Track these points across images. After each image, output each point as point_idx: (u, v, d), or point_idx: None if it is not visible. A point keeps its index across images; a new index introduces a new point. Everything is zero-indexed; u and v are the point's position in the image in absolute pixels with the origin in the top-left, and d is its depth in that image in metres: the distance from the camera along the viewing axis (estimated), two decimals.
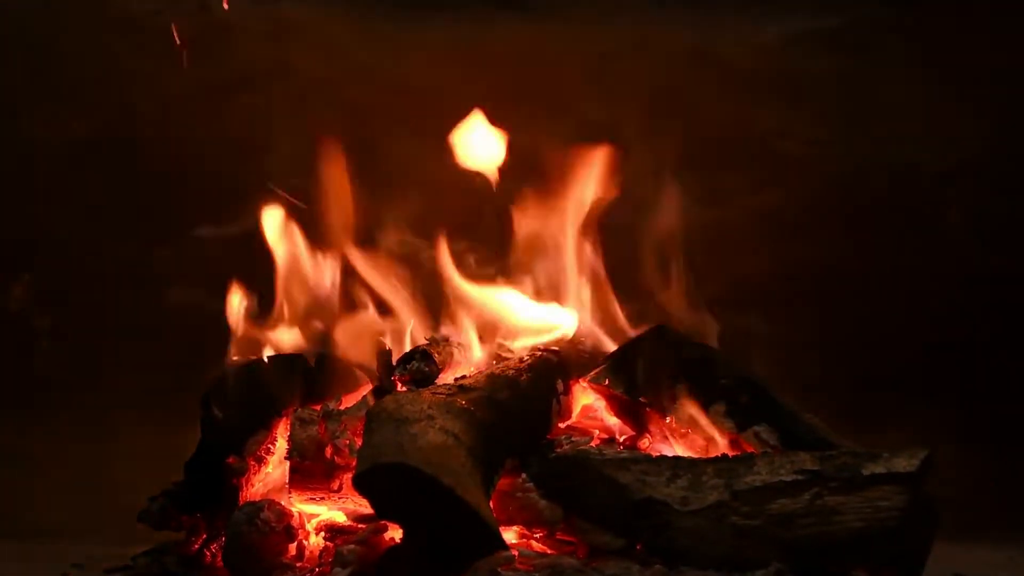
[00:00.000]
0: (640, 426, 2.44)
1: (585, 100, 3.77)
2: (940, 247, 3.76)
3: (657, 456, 2.27)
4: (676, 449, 2.38)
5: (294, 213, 2.71)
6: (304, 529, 2.27)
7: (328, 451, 2.24)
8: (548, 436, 2.36)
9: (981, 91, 3.80)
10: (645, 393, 2.42)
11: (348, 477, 2.18)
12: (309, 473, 2.25)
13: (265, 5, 3.86)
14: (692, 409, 2.39)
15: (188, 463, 2.43)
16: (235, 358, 2.51)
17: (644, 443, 2.42)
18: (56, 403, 3.61)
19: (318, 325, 2.62)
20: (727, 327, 2.61)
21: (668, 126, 3.74)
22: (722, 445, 2.35)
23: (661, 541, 2.14)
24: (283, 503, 2.27)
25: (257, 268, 2.68)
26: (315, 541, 2.26)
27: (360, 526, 2.22)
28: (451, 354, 2.49)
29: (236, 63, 3.82)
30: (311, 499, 2.28)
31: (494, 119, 2.79)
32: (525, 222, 2.70)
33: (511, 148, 2.76)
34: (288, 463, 2.28)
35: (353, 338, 2.56)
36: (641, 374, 2.42)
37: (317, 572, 2.17)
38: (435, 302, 2.65)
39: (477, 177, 2.70)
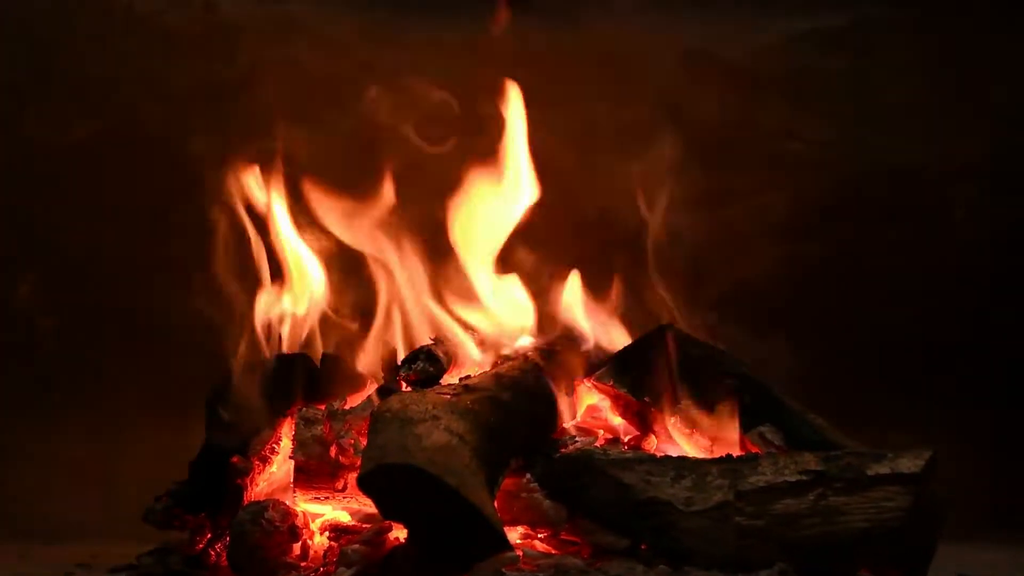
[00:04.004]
0: (645, 426, 2.44)
1: (589, 100, 3.77)
2: (945, 247, 3.76)
3: (661, 456, 2.27)
4: (681, 449, 2.38)
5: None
6: (308, 529, 2.27)
7: (333, 451, 2.25)
8: (553, 436, 2.36)
9: (986, 91, 3.79)
10: (650, 393, 2.42)
11: (352, 477, 2.18)
12: (313, 473, 2.25)
13: (270, 5, 3.86)
14: (696, 409, 2.39)
15: (193, 463, 2.43)
16: (240, 358, 2.52)
17: (649, 443, 2.42)
18: (60, 403, 3.61)
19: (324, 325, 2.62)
20: (731, 328, 2.61)
21: (673, 126, 3.73)
22: (726, 445, 2.35)
23: (665, 541, 2.14)
24: (287, 503, 2.27)
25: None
26: (319, 541, 2.26)
27: (364, 526, 2.22)
28: (456, 354, 2.49)
29: (241, 63, 3.82)
30: (315, 499, 2.28)
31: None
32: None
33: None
34: (292, 463, 2.28)
35: (358, 338, 2.57)
36: (646, 374, 2.42)
37: (321, 572, 2.17)
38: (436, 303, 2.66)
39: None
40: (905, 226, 3.79)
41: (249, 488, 2.36)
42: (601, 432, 2.42)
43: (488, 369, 2.42)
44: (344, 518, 2.28)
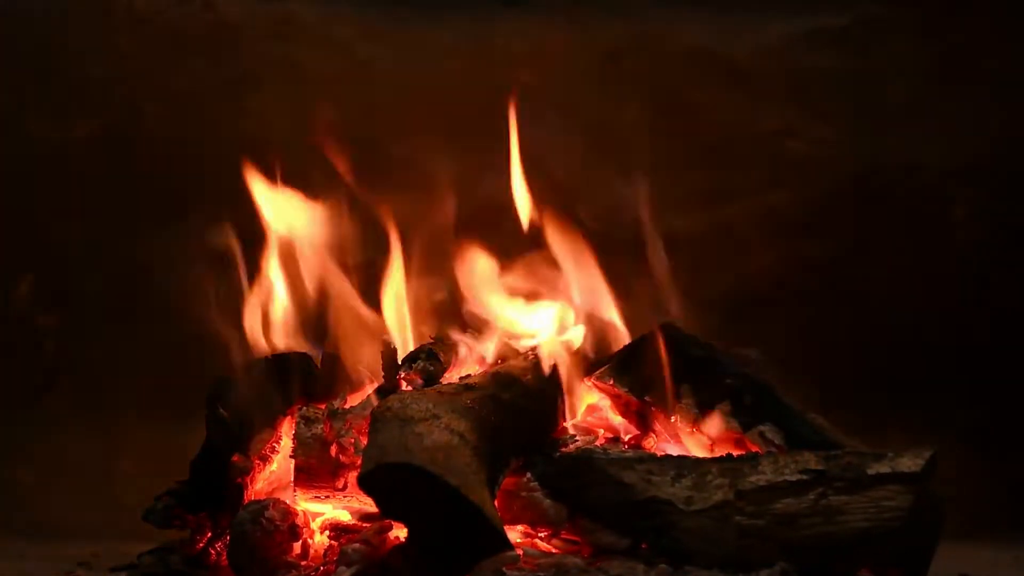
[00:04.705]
0: (645, 425, 2.44)
1: (590, 99, 3.77)
2: (946, 245, 3.75)
3: (662, 455, 2.27)
4: (681, 448, 2.38)
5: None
6: (309, 528, 2.27)
7: (333, 450, 2.25)
8: (553, 435, 2.36)
9: (987, 91, 3.79)
10: (650, 392, 2.42)
11: (353, 476, 2.19)
12: (314, 472, 2.25)
13: (271, 4, 3.86)
14: (696, 408, 2.38)
15: (193, 462, 2.43)
16: (240, 357, 2.51)
17: (649, 442, 2.42)
18: (61, 402, 3.61)
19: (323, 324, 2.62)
20: (732, 326, 2.61)
21: (673, 125, 3.74)
22: (726, 445, 2.35)
23: (665, 541, 2.14)
24: (288, 502, 2.27)
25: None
26: (320, 540, 2.26)
27: (365, 525, 2.22)
28: (456, 353, 2.49)
29: (242, 62, 3.82)
30: (316, 498, 2.28)
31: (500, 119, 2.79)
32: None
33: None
34: (293, 462, 2.28)
35: (358, 336, 2.56)
36: (646, 373, 2.42)
37: (321, 571, 2.17)
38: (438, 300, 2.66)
39: None
40: (905, 226, 3.79)
41: (249, 487, 2.36)
42: (601, 431, 2.42)
43: (488, 368, 2.42)
44: (344, 517, 2.28)
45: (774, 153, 3.80)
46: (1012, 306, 3.70)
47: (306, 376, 2.47)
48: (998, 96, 3.79)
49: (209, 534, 2.38)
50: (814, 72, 3.82)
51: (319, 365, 2.54)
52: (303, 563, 2.21)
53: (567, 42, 3.81)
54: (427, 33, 3.80)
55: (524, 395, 2.28)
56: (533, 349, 2.48)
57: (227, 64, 3.81)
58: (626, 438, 2.43)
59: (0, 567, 2.71)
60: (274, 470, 2.41)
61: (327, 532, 2.25)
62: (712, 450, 2.35)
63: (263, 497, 2.31)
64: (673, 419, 2.39)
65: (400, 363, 2.41)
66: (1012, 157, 3.76)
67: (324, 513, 2.31)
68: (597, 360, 2.54)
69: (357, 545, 2.14)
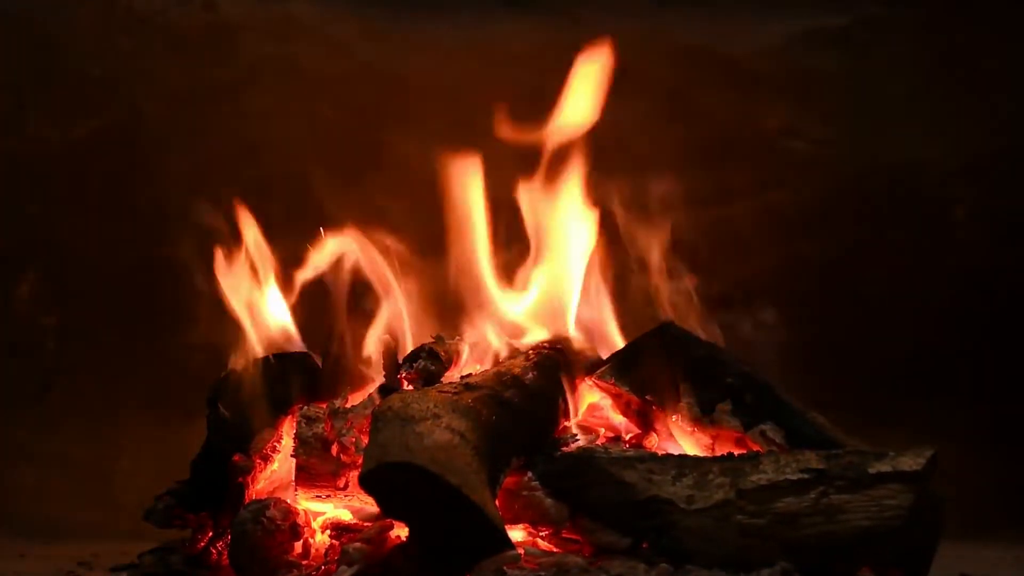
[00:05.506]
0: (646, 424, 2.44)
1: None
2: (946, 245, 3.76)
3: (663, 455, 2.27)
4: (682, 448, 2.38)
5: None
6: (310, 527, 2.27)
7: (334, 449, 2.25)
8: (554, 434, 2.36)
9: (988, 89, 3.79)
10: (651, 391, 2.42)
11: (354, 475, 2.19)
12: (315, 471, 2.25)
13: (271, 4, 3.86)
14: (697, 407, 2.38)
15: (194, 462, 2.43)
16: (241, 356, 2.51)
17: (650, 442, 2.41)
18: (62, 402, 3.61)
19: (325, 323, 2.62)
20: (733, 325, 2.61)
21: (674, 125, 3.74)
22: (727, 444, 2.35)
23: (666, 540, 2.14)
24: (289, 501, 2.27)
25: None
26: (321, 539, 2.26)
27: (366, 524, 2.22)
28: (457, 352, 2.49)
29: (242, 62, 3.83)
30: (317, 497, 2.28)
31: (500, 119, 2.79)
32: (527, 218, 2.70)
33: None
34: (294, 461, 2.28)
35: (359, 336, 2.56)
36: (647, 372, 2.42)
37: (323, 570, 2.17)
38: (438, 300, 2.66)
39: None
40: (905, 226, 3.79)
41: (250, 487, 2.35)
42: (602, 430, 2.42)
43: (489, 367, 2.42)
44: (345, 516, 2.28)
45: (774, 153, 3.80)
46: (1012, 306, 3.70)
47: (307, 375, 2.47)
48: (998, 96, 3.79)
49: (210, 534, 2.38)
50: (814, 72, 3.83)
51: (320, 364, 2.53)
52: (304, 562, 2.21)
53: (568, 42, 3.81)
54: (427, 33, 3.80)
55: (525, 394, 2.28)
56: (534, 348, 2.48)
57: (227, 64, 3.81)
58: (627, 437, 2.42)
59: (0, 567, 2.71)
60: (275, 469, 2.41)
61: (328, 531, 2.25)
62: (713, 449, 2.35)
63: (264, 496, 2.31)
64: (674, 418, 2.39)
65: (401, 362, 2.41)
66: (1012, 157, 3.77)
67: (325, 512, 2.30)
68: (598, 359, 2.54)
69: (358, 544, 2.14)
